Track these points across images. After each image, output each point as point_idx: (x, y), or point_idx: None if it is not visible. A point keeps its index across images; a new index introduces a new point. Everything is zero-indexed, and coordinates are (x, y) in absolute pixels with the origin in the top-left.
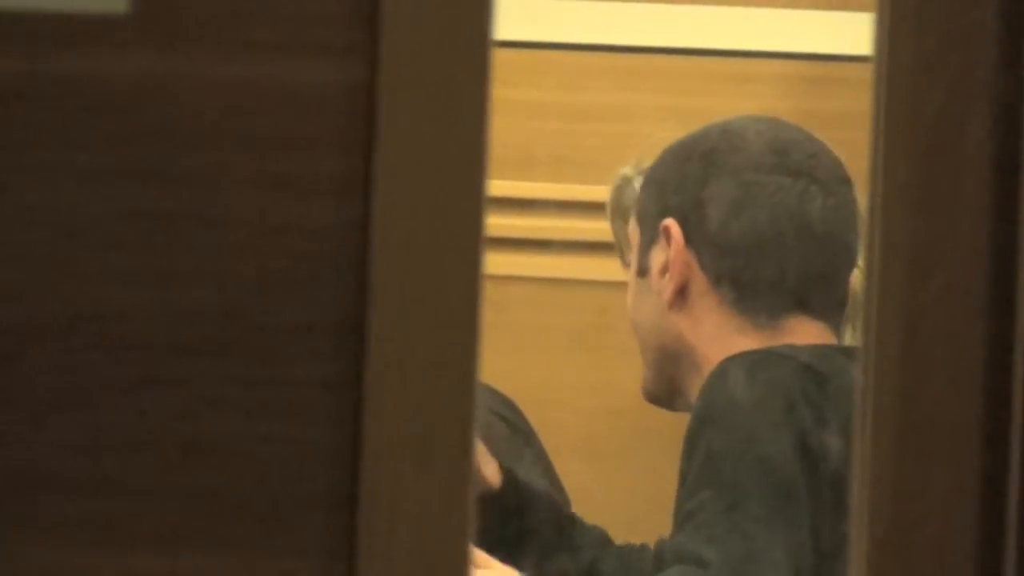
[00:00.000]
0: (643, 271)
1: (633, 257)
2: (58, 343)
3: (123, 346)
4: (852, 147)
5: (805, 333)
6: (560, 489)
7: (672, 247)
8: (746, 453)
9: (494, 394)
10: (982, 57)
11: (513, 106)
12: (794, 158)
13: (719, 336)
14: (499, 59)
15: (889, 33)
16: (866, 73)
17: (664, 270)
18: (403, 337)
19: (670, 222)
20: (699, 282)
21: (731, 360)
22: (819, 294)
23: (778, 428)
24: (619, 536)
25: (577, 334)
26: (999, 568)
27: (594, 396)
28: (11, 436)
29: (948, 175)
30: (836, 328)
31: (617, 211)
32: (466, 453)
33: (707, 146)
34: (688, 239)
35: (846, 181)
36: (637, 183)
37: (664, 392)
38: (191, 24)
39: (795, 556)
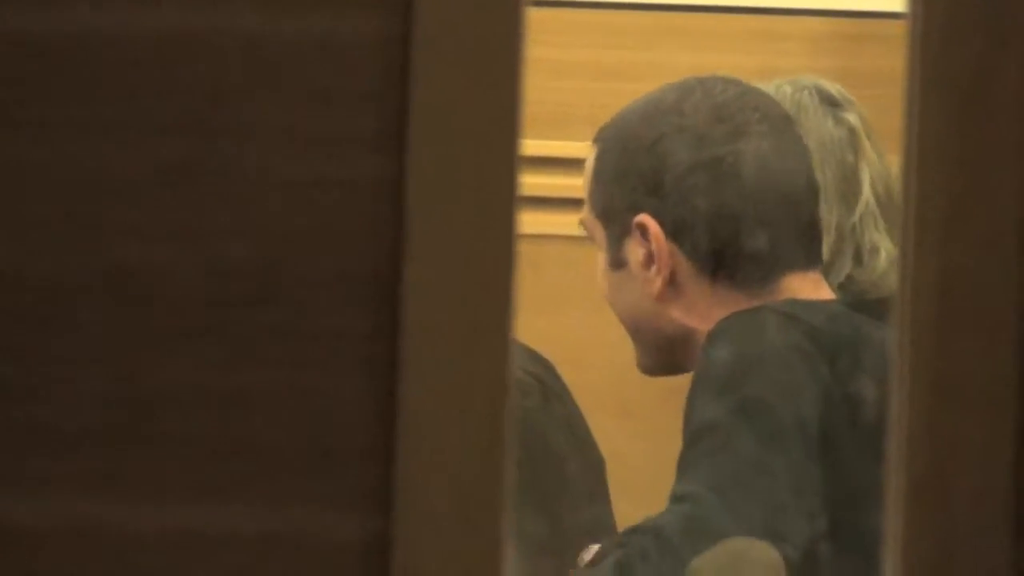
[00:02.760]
0: (618, 264)
1: (601, 250)
2: (94, 298)
3: (159, 300)
4: (885, 103)
5: (800, 288)
6: (593, 447)
7: (653, 241)
8: (750, 408)
9: (529, 353)
10: (1015, 11)
11: (546, 65)
12: (739, 119)
13: (714, 313)
14: (531, 17)
15: None
16: (899, 30)
17: (647, 263)
18: (439, 292)
19: (644, 218)
20: (685, 268)
21: (732, 318)
22: (800, 247)
23: (786, 382)
24: (653, 495)
25: None
26: None
27: (628, 354)
28: (49, 390)
29: (983, 131)
30: (821, 269)
31: None
32: (502, 406)
33: (651, 134)
34: (664, 228)
35: (787, 121)
36: None
37: (664, 366)
38: None
39: (795, 496)
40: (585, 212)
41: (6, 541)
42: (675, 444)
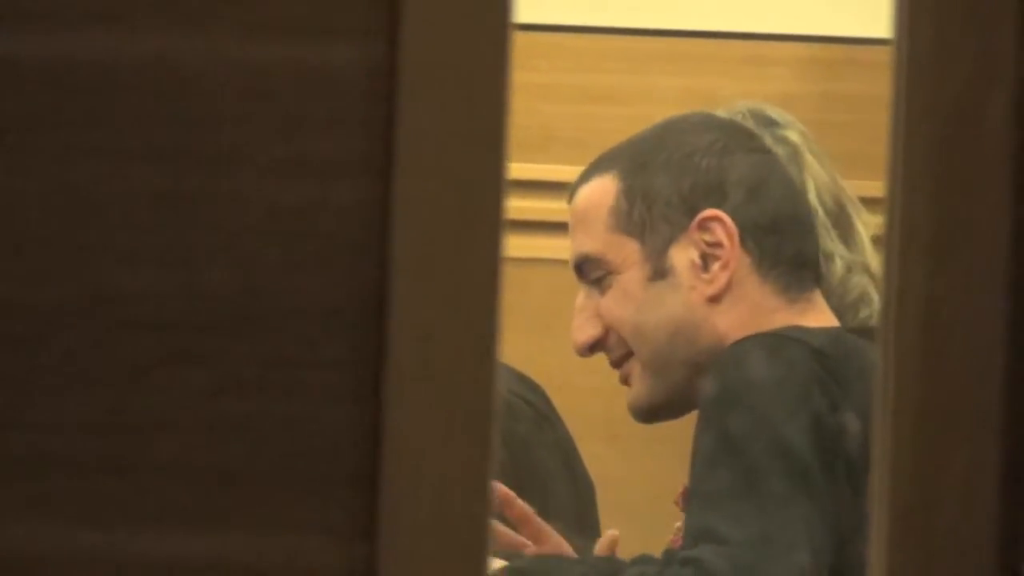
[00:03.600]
0: (660, 274)
1: (634, 266)
2: (79, 324)
3: (144, 326)
4: (869, 130)
5: (822, 308)
6: (584, 473)
7: (724, 236)
8: (763, 434)
9: (520, 378)
10: (1002, 39)
11: (531, 89)
12: (744, 134)
13: (753, 318)
14: (517, 42)
15: (908, 15)
16: (884, 56)
17: (702, 265)
18: (424, 317)
19: (714, 212)
20: (744, 265)
21: (744, 342)
22: (820, 266)
23: (794, 410)
24: (642, 519)
25: None
26: (1020, 549)
27: (614, 378)
28: (33, 416)
29: (968, 158)
30: None
31: None
32: (487, 433)
33: (703, 141)
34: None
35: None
36: None
37: (671, 400)
38: (211, 4)
39: (813, 537)
40: (595, 242)
41: None
42: (663, 467)
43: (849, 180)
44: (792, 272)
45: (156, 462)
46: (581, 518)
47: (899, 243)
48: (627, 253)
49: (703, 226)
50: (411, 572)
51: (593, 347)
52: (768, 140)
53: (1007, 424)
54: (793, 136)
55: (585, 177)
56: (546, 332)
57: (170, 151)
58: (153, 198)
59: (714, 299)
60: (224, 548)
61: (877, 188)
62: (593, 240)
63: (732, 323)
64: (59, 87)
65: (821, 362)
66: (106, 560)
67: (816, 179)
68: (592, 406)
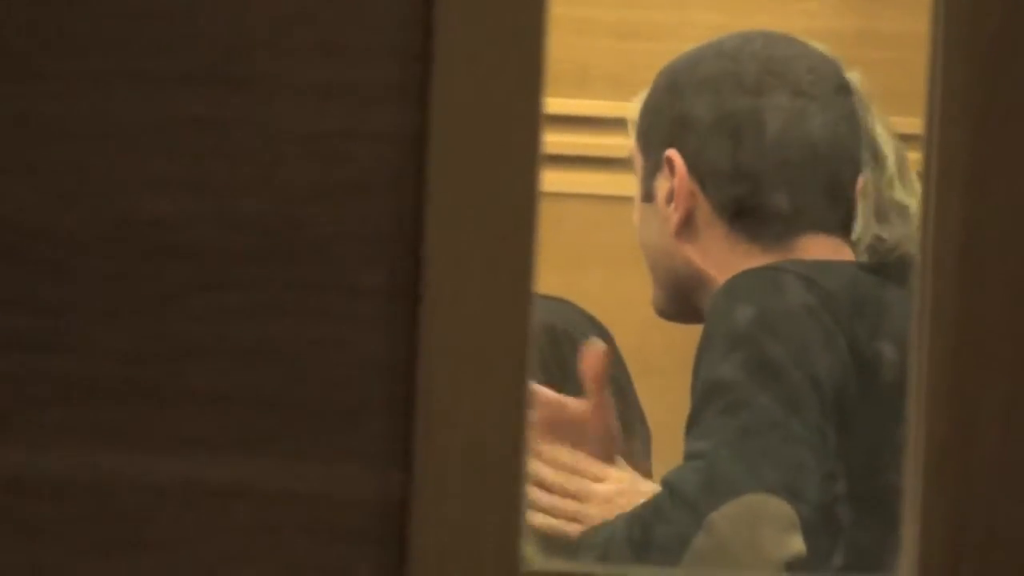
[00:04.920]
0: (648, 196)
1: (637, 182)
2: (111, 250)
3: (177, 253)
4: (905, 66)
5: (817, 249)
6: (641, 413)
7: (676, 177)
8: (764, 367)
9: (592, 319)
10: None
11: (570, 23)
12: (791, 77)
13: (728, 261)
14: None
15: None
16: None
17: (669, 199)
18: (460, 248)
19: (672, 152)
20: (704, 211)
21: (740, 276)
22: (827, 211)
23: (800, 341)
24: (675, 451)
25: (632, 250)
26: None
27: (650, 312)
28: (66, 343)
29: (1006, 90)
30: (848, 239)
31: None
32: (522, 362)
33: (703, 73)
34: (691, 168)
35: (844, 89)
36: None
37: (677, 309)
38: None
39: (818, 468)
40: (633, 141)
41: (26, 492)
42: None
43: (887, 117)
44: (769, 222)
45: (189, 389)
46: (635, 457)
47: (936, 178)
48: (638, 167)
49: (667, 162)
50: (445, 499)
51: None
52: (808, 86)
53: None
54: (852, 79)
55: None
56: (581, 266)
57: (204, 76)
58: (186, 123)
59: (676, 234)
60: (258, 474)
61: (915, 125)
62: (631, 145)
63: (703, 259)
64: (88, 10)
65: (812, 291)
66: (138, 485)
67: (885, 128)
68: (626, 341)
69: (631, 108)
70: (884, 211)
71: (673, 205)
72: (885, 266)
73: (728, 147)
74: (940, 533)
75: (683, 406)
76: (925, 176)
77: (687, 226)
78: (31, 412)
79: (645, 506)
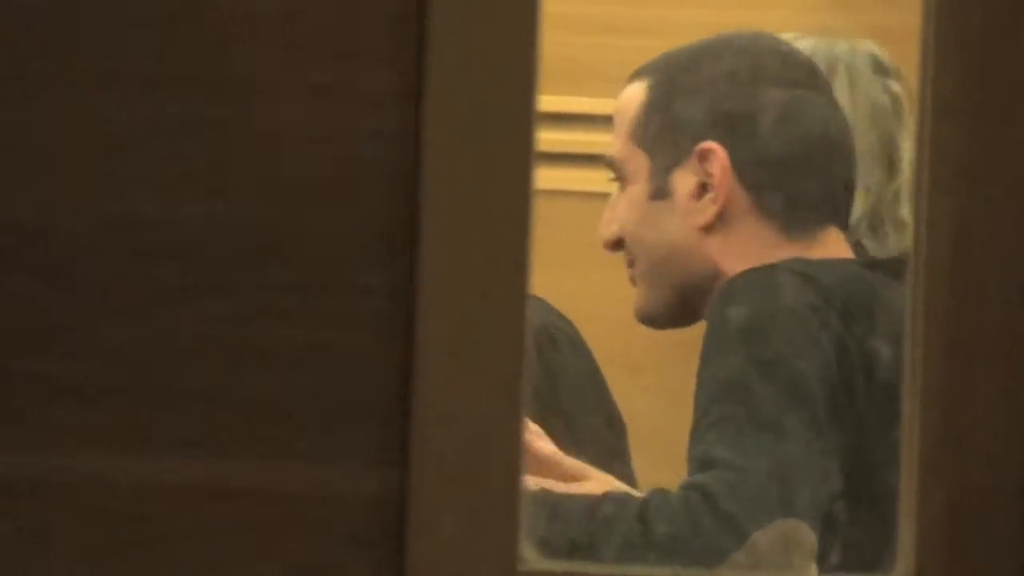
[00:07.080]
0: (661, 194)
1: (642, 180)
2: (106, 252)
3: (173, 255)
4: (899, 62)
5: (836, 245)
6: (614, 406)
7: (718, 169)
8: (769, 366)
9: (550, 309)
10: None
11: (561, 20)
12: (799, 72)
13: (752, 252)
14: None
15: None
16: None
17: (698, 194)
18: (455, 247)
19: (712, 144)
20: (740, 203)
21: (742, 276)
22: (844, 205)
23: (803, 340)
24: (663, 453)
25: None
26: None
27: None
28: (62, 345)
29: (998, 84)
30: (846, 228)
31: None
32: (518, 361)
33: (727, 68)
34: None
35: (827, 80)
36: None
37: (672, 313)
38: None
39: (828, 474)
40: (617, 145)
41: (25, 495)
42: (686, 400)
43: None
44: (802, 210)
45: (187, 389)
46: (612, 451)
47: (929, 171)
48: (638, 166)
49: (702, 156)
50: (441, 499)
51: (614, 245)
52: (815, 80)
53: None
54: (898, 90)
55: (631, 77)
56: (573, 264)
57: (197, 78)
58: (181, 125)
59: (706, 228)
60: (256, 474)
61: None
62: (617, 144)
63: (726, 254)
64: (83, 14)
65: (825, 294)
66: (137, 486)
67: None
68: (616, 339)
69: (618, 105)
70: (879, 221)
71: (711, 197)
72: (887, 262)
73: (766, 135)
74: (936, 529)
75: (667, 404)
76: (918, 169)
77: (719, 220)
78: (28, 415)
79: (667, 504)
